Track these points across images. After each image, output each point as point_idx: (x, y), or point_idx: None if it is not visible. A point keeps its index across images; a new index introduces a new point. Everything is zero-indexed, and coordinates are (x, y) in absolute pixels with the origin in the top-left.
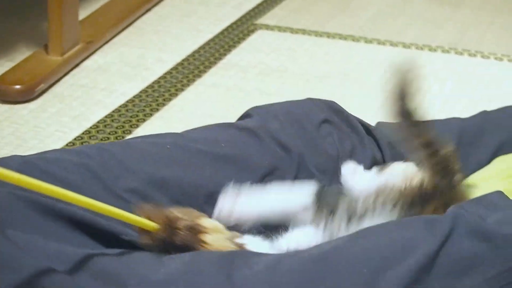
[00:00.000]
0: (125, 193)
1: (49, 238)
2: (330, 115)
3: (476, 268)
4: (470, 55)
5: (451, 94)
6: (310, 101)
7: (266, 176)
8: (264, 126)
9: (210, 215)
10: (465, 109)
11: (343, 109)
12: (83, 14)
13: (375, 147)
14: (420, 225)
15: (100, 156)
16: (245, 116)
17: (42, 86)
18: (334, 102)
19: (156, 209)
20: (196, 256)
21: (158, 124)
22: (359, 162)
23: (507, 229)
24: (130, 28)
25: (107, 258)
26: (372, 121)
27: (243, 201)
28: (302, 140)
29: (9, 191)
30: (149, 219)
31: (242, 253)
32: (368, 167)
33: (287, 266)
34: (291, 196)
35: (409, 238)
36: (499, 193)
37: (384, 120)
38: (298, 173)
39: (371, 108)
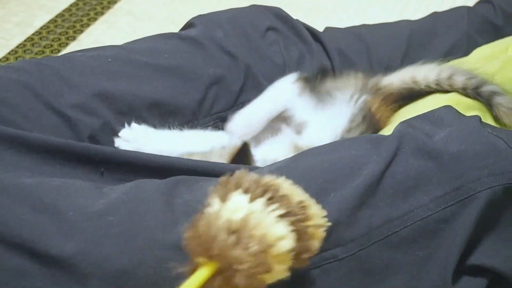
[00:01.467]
0: (69, 110)
1: None
2: (276, 22)
3: (423, 188)
4: None
5: None
6: (255, 8)
7: (213, 85)
8: (208, 34)
9: (153, 124)
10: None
11: (289, 15)
12: None
13: (323, 54)
14: (366, 144)
15: (40, 72)
16: (188, 25)
17: None
18: (280, 8)
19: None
20: (138, 184)
21: (103, 28)
22: (307, 70)
23: (453, 146)
24: None
25: (46, 188)
26: (323, 23)
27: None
28: (247, 49)
29: None
30: None
31: (186, 179)
32: (316, 75)
33: None
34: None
35: (353, 157)
36: (447, 108)
37: (333, 26)
38: (245, 82)
39: (322, 6)
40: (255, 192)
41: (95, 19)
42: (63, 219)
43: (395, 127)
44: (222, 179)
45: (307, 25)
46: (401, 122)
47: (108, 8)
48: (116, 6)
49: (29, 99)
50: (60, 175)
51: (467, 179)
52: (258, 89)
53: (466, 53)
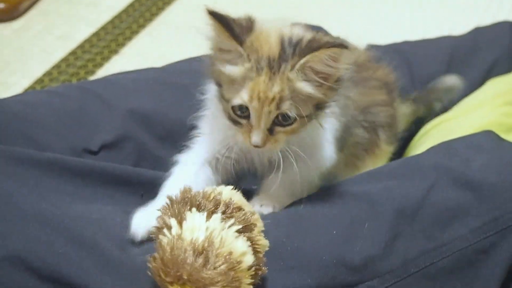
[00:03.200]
0: (109, 135)
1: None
2: None
3: (461, 218)
4: None
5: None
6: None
7: None
8: None
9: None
10: (464, 16)
11: (329, 34)
12: None
13: None
14: (401, 171)
15: (83, 98)
16: None
17: (26, 4)
18: (320, 27)
19: None
20: None
21: (145, 42)
22: None
23: (491, 176)
24: None
25: (85, 222)
26: (362, 37)
27: None
28: None
29: None
30: None
31: None
32: None
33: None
34: None
35: (388, 188)
36: (487, 134)
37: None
38: None
39: (362, 21)
40: (208, 207)
41: (138, 32)
42: (102, 254)
43: (434, 150)
44: (170, 197)
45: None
46: (441, 144)
47: (151, 20)
48: (158, 18)
49: (69, 126)
50: (101, 199)
51: (506, 210)
52: None
53: (510, 68)
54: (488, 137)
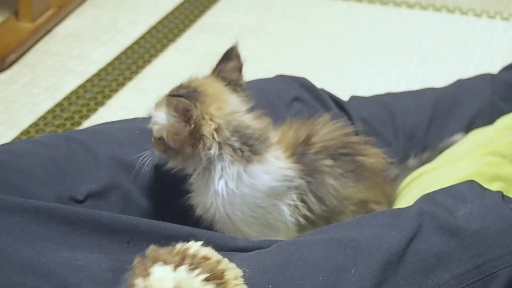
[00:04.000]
0: (95, 184)
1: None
2: (301, 92)
3: (444, 265)
4: (448, 11)
5: (431, 52)
6: (281, 78)
7: None
8: None
9: (179, 198)
10: (447, 69)
11: (313, 85)
12: None
13: (348, 124)
14: (385, 219)
15: (68, 147)
16: None
17: (13, 56)
18: (305, 78)
19: None
20: None
21: (131, 94)
22: None
23: (475, 224)
24: None
25: (70, 268)
26: (346, 86)
27: None
28: (271, 119)
29: None
30: None
31: None
32: None
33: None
34: None
35: (373, 235)
36: (470, 184)
37: (358, 94)
38: None
39: (346, 71)
40: (174, 260)
41: (124, 84)
42: None
43: (417, 201)
44: (137, 259)
45: (332, 94)
46: (424, 197)
47: (137, 73)
48: (145, 71)
49: (55, 175)
50: (87, 246)
51: (489, 257)
52: None
53: (491, 120)
54: (470, 186)
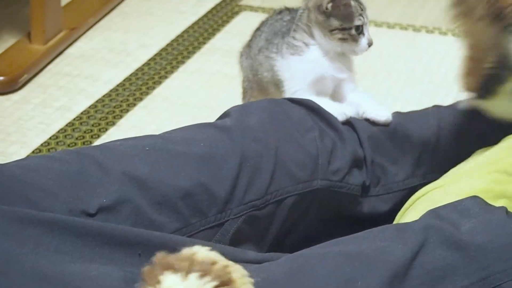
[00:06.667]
0: (107, 198)
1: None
2: (308, 111)
3: (449, 278)
4: (454, 35)
5: (436, 74)
6: (288, 100)
7: (244, 173)
8: (242, 123)
9: (186, 216)
10: (453, 90)
11: (320, 107)
12: None
13: (356, 142)
14: (392, 232)
15: (80, 162)
16: (225, 115)
17: (26, 77)
18: (311, 100)
19: None
20: None
21: (142, 114)
22: (340, 159)
23: (479, 238)
24: (114, 12)
25: (84, 278)
26: None
27: None
28: (280, 136)
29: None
30: None
31: None
32: (350, 164)
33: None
34: None
35: (380, 248)
36: (474, 199)
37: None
38: (275, 170)
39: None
40: (183, 267)
41: (134, 104)
42: None
43: (423, 216)
44: (145, 268)
45: None
46: (429, 212)
47: (147, 94)
48: (154, 92)
49: (68, 188)
50: (99, 258)
51: (493, 270)
52: (289, 177)
53: (496, 140)
54: (474, 202)
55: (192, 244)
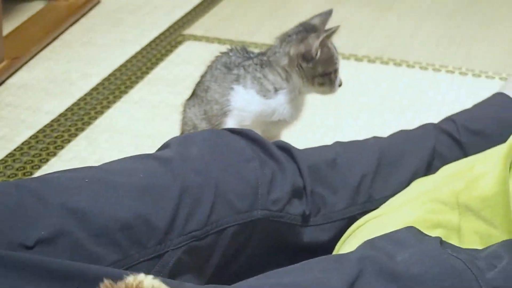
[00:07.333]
0: (45, 231)
1: None
2: (249, 143)
3: None
4: (395, 64)
5: (377, 105)
6: (229, 130)
7: (184, 204)
8: (182, 154)
9: (125, 248)
10: (394, 119)
11: (260, 137)
12: (7, 28)
13: (296, 173)
14: (329, 264)
15: (19, 194)
16: (165, 146)
17: None
18: (251, 130)
19: None
20: None
21: (83, 144)
22: (280, 189)
23: (414, 268)
24: (57, 41)
25: None
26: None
27: None
28: (221, 166)
29: None
30: None
31: None
32: (289, 193)
33: None
34: None
35: (317, 279)
36: (409, 229)
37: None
38: (215, 200)
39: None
40: None
41: (76, 135)
42: None
43: (359, 247)
44: None
45: (282, 142)
46: (365, 242)
47: (89, 124)
48: (97, 122)
49: (6, 221)
50: None
51: None
52: (229, 207)
53: (434, 169)
54: (409, 232)
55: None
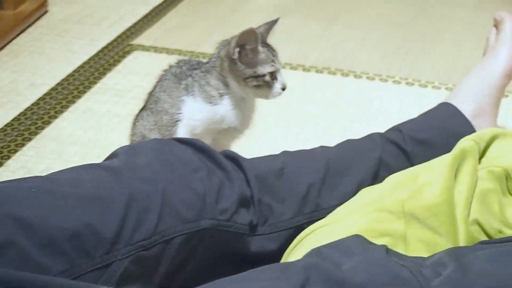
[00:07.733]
0: None
1: None
2: (196, 153)
3: None
4: (343, 74)
5: (324, 114)
6: (176, 140)
7: (131, 213)
8: (129, 163)
9: (72, 258)
10: (341, 129)
11: (208, 146)
12: None
13: (243, 182)
14: (274, 272)
15: None
16: (113, 156)
17: None
18: (199, 140)
19: None
20: None
21: (30, 154)
22: (227, 198)
23: (360, 277)
24: (3, 51)
25: None
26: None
27: None
28: (168, 175)
29: None
30: None
31: None
32: (237, 203)
33: None
34: None
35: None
36: (356, 238)
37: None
38: (162, 210)
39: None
40: None
41: (23, 144)
42: None
43: (305, 255)
44: None
45: (229, 151)
46: (312, 251)
47: (36, 134)
48: (44, 132)
49: None
50: None
51: None
52: (177, 217)
53: (380, 178)
54: (356, 240)
55: (78, 286)
